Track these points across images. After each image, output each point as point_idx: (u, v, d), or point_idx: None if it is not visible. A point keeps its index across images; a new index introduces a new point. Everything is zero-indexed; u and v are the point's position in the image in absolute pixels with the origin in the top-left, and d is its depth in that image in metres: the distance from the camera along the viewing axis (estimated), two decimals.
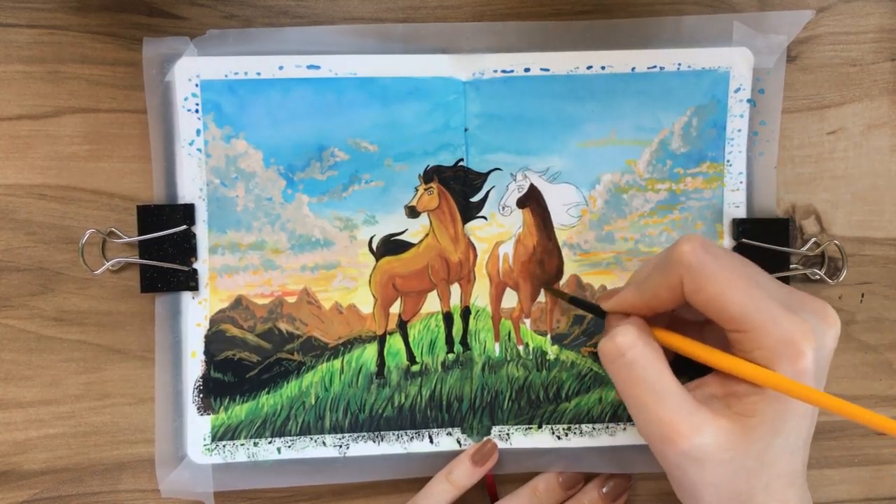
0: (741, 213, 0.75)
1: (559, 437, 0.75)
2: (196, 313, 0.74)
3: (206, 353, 0.74)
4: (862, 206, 0.77)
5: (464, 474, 0.73)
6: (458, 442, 0.75)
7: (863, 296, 0.78)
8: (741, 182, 0.75)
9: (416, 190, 0.74)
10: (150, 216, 0.73)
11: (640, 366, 0.59)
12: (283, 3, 0.73)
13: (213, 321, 0.74)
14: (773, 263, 0.75)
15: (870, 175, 0.77)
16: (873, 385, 0.78)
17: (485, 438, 0.75)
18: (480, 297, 0.75)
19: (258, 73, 0.72)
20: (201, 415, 0.74)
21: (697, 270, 0.57)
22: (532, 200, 0.75)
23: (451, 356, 0.75)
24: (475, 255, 0.75)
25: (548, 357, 0.75)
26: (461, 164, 0.74)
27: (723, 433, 0.57)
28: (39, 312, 0.74)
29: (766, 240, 0.74)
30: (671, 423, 0.57)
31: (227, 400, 0.74)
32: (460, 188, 0.74)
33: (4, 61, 0.72)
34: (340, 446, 0.75)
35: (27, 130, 0.72)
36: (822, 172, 0.77)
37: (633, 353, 0.59)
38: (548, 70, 0.73)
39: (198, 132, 0.73)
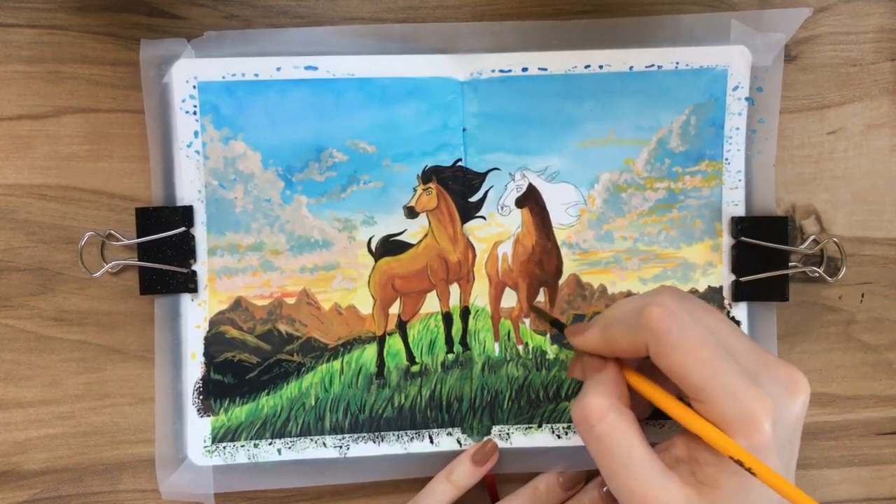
0: (740, 211, 0.75)
1: (559, 437, 0.75)
2: (195, 315, 0.74)
3: (206, 354, 0.74)
4: (862, 206, 0.77)
5: (464, 474, 0.73)
6: (459, 442, 0.75)
7: (863, 296, 0.78)
8: (740, 180, 0.75)
9: (415, 190, 0.74)
10: (149, 218, 0.73)
11: (610, 438, 0.59)
12: (283, 3, 0.74)
13: (213, 323, 0.74)
14: (772, 261, 0.75)
15: (870, 175, 0.77)
16: (873, 385, 0.78)
17: (485, 438, 0.75)
18: (480, 296, 0.75)
19: (256, 75, 0.73)
20: (201, 416, 0.74)
21: (662, 338, 0.57)
22: (531, 200, 0.75)
23: (450, 356, 0.75)
24: (474, 255, 0.75)
25: (547, 356, 0.75)
26: (459, 164, 0.74)
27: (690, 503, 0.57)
28: (39, 312, 0.74)
29: (765, 238, 0.74)
30: (640, 493, 0.57)
31: (227, 401, 0.74)
32: (459, 188, 0.74)
33: (4, 61, 0.72)
34: (341, 447, 0.75)
35: (27, 130, 0.73)
36: (822, 172, 0.77)
37: (601, 427, 0.59)
38: (546, 70, 0.73)
39: (196, 134, 0.73)
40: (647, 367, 0.63)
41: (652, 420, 0.75)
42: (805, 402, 0.59)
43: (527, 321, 0.76)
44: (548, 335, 0.75)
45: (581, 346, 0.65)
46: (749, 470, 0.54)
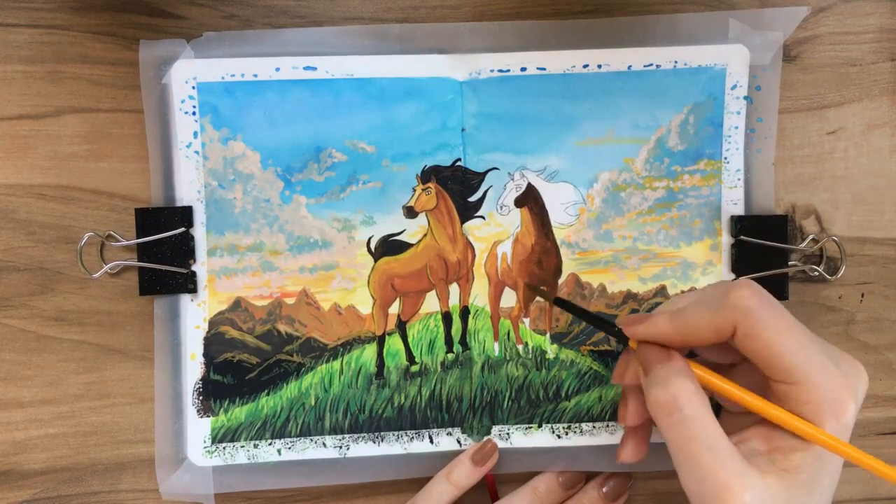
0: (739, 210, 0.75)
1: (559, 437, 0.75)
2: (195, 315, 0.74)
3: (206, 355, 0.74)
4: (862, 206, 0.77)
5: (464, 474, 0.73)
6: (459, 442, 0.75)
7: (863, 296, 0.78)
8: (739, 179, 0.75)
9: (414, 190, 0.74)
10: (149, 218, 0.73)
11: (698, 422, 0.57)
12: (283, 3, 0.74)
13: (212, 323, 0.74)
14: (772, 260, 0.75)
15: (870, 175, 0.77)
16: (873, 385, 0.78)
17: (485, 438, 0.75)
18: (479, 296, 0.75)
19: (255, 75, 0.73)
20: (201, 417, 0.74)
21: (755, 316, 0.57)
22: (530, 199, 0.75)
23: (450, 356, 0.75)
24: (473, 255, 0.75)
25: (547, 356, 0.75)
26: (459, 163, 0.74)
27: (769, 492, 0.55)
28: (39, 312, 0.74)
29: (765, 237, 0.74)
30: (725, 481, 0.55)
31: (226, 402, 0.74)
32: (458, 188, 0.74)
33: (4, 61, 0.72)
34: (340, 447, 0.75)
35: (27, 130, 0.73)
36: (822, 172, 0.77)
37: (690, 409, 0.57)
38: (544, 69, 0.74)
39: (195, 134, 0.73)
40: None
41: None
42: (865, 389, 0.59)
43: (527, 321, 0.76)
44: (548, 335, 0.75)
45: (644, 334, 0.63)
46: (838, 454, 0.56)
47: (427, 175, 0.74)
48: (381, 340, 0.75)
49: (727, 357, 0.65)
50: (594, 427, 0.75)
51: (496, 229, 0.75)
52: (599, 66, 0.74)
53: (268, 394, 0.74)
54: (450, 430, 0.75)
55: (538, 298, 0.75)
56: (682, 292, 0.76)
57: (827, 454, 0.57)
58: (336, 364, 0.75)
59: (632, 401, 0.66)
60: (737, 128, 0.74)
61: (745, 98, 0.74)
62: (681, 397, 0.57)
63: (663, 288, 0.75)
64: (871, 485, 0.78)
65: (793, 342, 0.56)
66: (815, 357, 0.56)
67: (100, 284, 0.74)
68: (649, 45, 0.74)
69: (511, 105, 0.74)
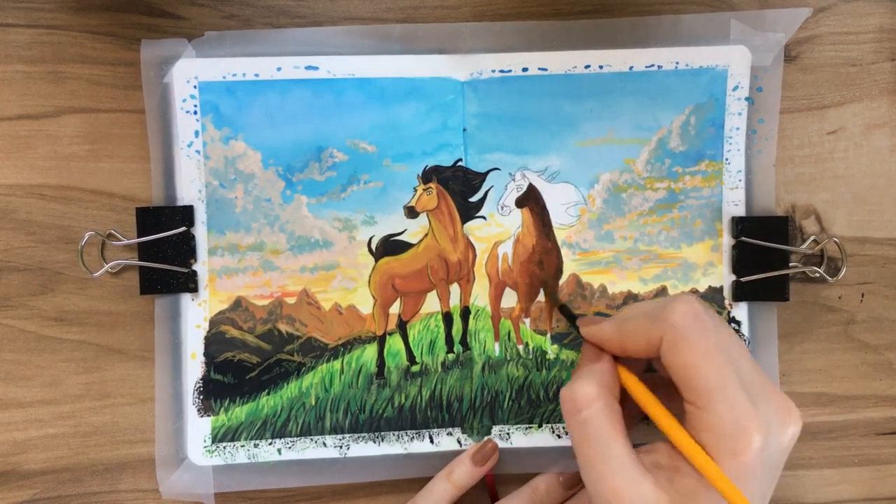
0: (740, 211, 0.75)
1: (559, 437, 0.75)
2: (195, 315, 0.74)
3: (206, 354, 0.74)
4: (862, 206, 0.77)
5: (464, 474, 0.73)
6: (459, 442, 0.75)
7: (863, 296, 0.78)
8: (740, 180, 0.75)
9: (415, 190, 0.74)
10: (149, 218, 0.73)
11: (594, 426, 0.59)
12: (283, 3, 0.74)
13: (213, 323, 0.74)
14: (773, 261, 0.75)
15: (870, 175, 0.77)
16: (873, 385, 0.78)
17: (485, 438, 0.75)
18: (480, 296, 0.75)
19: (256, 75, 0.73)
20: (201, 416, 0.74)
21: (680, 333, 0.58)
22: (531, 200, 0.75)
23: (450, 356, 0.75)
24: (474, 255, 0.75)
25: (547, 356, 0.75)
26: (460, 164, 0.74)
27: None
28: (39, 312, 0.74)
29: (766, 238, 0.74)
30: (611, 487, 0.56)
31: (227, 401, 0.74)
32: (459, 188, 0.74)
33: (4, 61, 0.72)
34: (341, 447, 0.75)
35: (27, 130, 0.73)
36: (822, 172, 0.77)
37: (588, 413, 0.59)
38: (545, 70, 0.73)
39: (196, 134, 0.73)
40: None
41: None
42: (795, 435, 0.59)
43: (527, 321, 0.76)
44: (548, 335, 0.75)
45: (590, 335, 0.65)
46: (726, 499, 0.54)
47: (428, 175, 0.74)
48: (381, 340, 0.75)
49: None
50: None
51: (497, 230, 0.75)
52: (601, 67, 0.73)
53: (268, 393, 0.74)
54: (450, 430, 0.75)
55: (538, 299, 0.75)
56: (627, 295, 0.76)
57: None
58: (336, 364, 0.75)
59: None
60: (738, 129, 0.74)
61: (747, 99, 0.74)
62: (582, 399, 0.59)
63: (664, 289, 0.76)
64: (871, 484, 0.79)
65: (708, 367, 0.56)
66: (728, 388, 0.56)
67: (100, 284, 0.74)
68: (651, 45, 0.74)
69: (512, 105, 0.74)
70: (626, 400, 0.64)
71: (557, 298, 0.75)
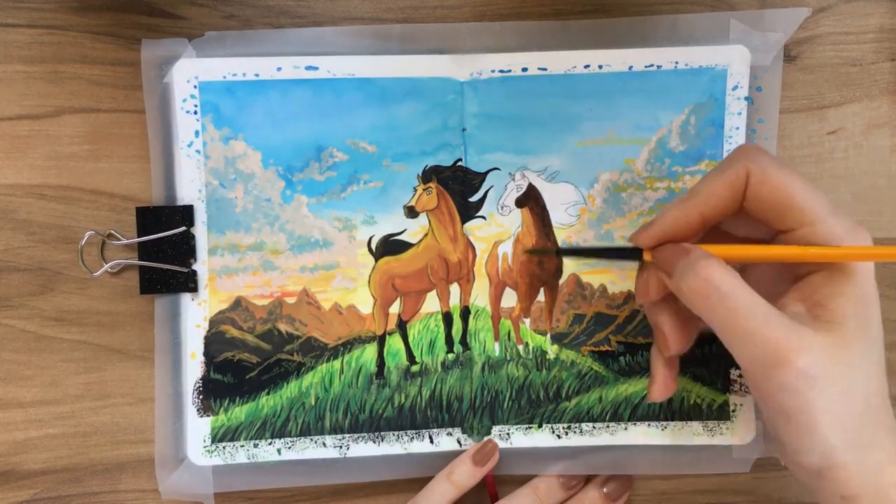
0: None
1: (559, 437, 0.75)
2: (195, 315, 0.74)
3: (206, 354, 0.74)
4: (862, 206, 0.77)
5: (465, 475, 0.73)
6: (459, 442, 0.75)
7: None
8: None
9: (415, 190, 0.74)
10: (149, 218, 0.73)
11: (738, 295, 0.57)
12: (283, 3, 0.74)
13: (213, 322, 0.74)
14: None
15: (870, 175, 0.77)
16: None
17: (485, 438, 0.75)
18: (480, 296, 0.75)
19: (256, 75, 0.73)
20: (201, 416, 0.74)
21: (765, 161, 0.59)
22: (531, 200, 0.75)
23: (450, 356, 0.75)
24: (474, 255, 0.75)
25: (548, 356, 0.75)
26: (460, 163, 0.74)
27: (828, 348, 0.56)
28: (39, 312, 0.74)
29: None
30: (785, 342, 0.55)
31: (226, 401, 0.74)
32: (459, 188, 0.74)
33: (4, 61, 0.72)
34: (341, 447, 0.75)
35: (27, 130, 0.73)
36: (822, 172, 0.77)
37: (726, 286, 0.57)
38: (545, 70, 0.73)
39: (196, 133, 0.73)
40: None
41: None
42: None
43: (527, 321, 0.76)
44: (548, 335, 0.75)
45: (658, 231, 0.64)
46: (870, 257, 0.57)
47: (428, 175, 0.74)
48: (381, 340, 0.75)
49: (740, 231, 0.67)
50: (594, 427, 0.75)
51: (497, 229, 0.75)
52: (600, 67, 0.73)
53: (268, 393, 0.74)
54: (450, 430, 0.75)
55: (538, 299, 0.75)
56: (628, 295, 0.76)
57: (865, 294, 0.58)
58: (336, 364, 0.75)
59: (663, 318, 0.67)
60: (738, 128, 0.74)
61: (746, 99, 0.74)
62: (713, 277, 0.57)
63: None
64: None
65: (803, 183, 0.58)
66: (825, 199, 0.58)
67: (100, 284, 0.74)
68: (650, 45, 0.74)
69: (512, 105, 0.74)
70: (680, 317, 0.66)
71: (548, 249, 0.76)
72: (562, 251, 0.74)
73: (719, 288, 0.57)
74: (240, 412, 0.74)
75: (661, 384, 0.69)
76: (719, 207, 0.61)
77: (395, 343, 0.75)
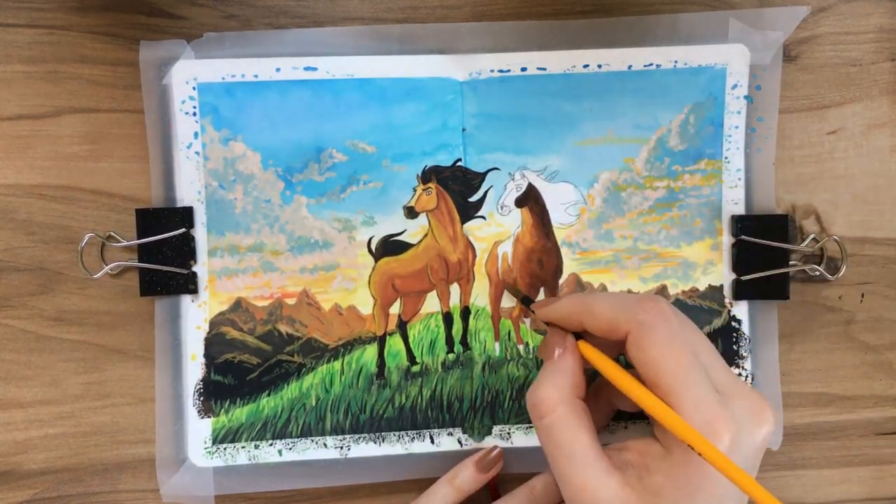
0: (740, 209, 0.75)
1: None
2: (196, 316, 0.74)
3: (206, 355, 0.74)
4: (862, 206, 0.77)
5: (468, 480, 0.73)
6: (459, 442, 0.75)
7: (863, 296, 0.78)
8: (739, 179, 0.75)
9: (415, 190, 0.74)
10: (149, 219, 0.73)
11: (557, 430, 0.59)
12: (283, 3, 0.74)
13: (213, 324, 0.74)
14: (773, 260, 0.75)
15: (870, 175, 0.77)
16: (873, 385, 0.78)
17: (491, 444, 0.75)
18: (480, 296, 0.75)
19: (255, 76, 0.73)
20: (202, 418, 0.74)
21: (648, 329, 0.58)
22: (530, 199, 0.75)
23: (451, 356, 0.75)
24: (474, 255, 0.75)
25: None
26: (459, 164, 0.74)
27: (622, 502, 0.56)
28: (39, 312, 0.74)
29: (766, 236, 0.74)
30: (579, 485, 0.57)
31: (227, 402, 0.74)
32: (458, 188, 0.74)
33: (4, 61, 0.72)
34: (341, 448, 0.75)
35: (27, 130, 0.73)
36: (822, 172, 0.77)
37: (550, 419, 0.60)
38: (544, 69, 0.74)
39: (196, 135, 0.73)
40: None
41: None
42: (768, 434, 0.59)
43: (527, 321, 0.76)
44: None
45: (548, 312, 0.66)
46: (700, 455, 0.53)
47: (427, 175, 0.74)
48: (381, 341, 0.75)
49: None
50: None
51: (497, 229, 0.75)
52: (599, 66, 0.74)
53: (268, 394, 0.74)
54: (451, 430, 0.75)
55: (538, 298, 0.75)
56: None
57: (694, 483, 0.56)
58: (337, 364, 0.75)
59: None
60: (737, 127, 0.74)
61: (746, 98, 0.74)
62: (545, 404, 0.60)
63: (664, 288, 0.76)
64: (871, 484, 0.78)
65: (675, 364, 0.56)
66: (695, 386, 0.56)
67: (100, 285, 0.74)
68: (649, 44, 0.74)
69: (511, 105, 0.74)
70: (598, 394, 0.67)
71: (518, 291, 0.75)
72: (523, 300, 0.74)
73: (543, 418, 0.61)
74: (240, 413, 0.74)
75: None
76: (597, 331, 0.62)
77: (395, 343, 0.75)
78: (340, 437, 0.75)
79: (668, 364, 0.56)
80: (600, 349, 0.63)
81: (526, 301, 0.73)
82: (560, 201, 0.75)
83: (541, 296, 0.76)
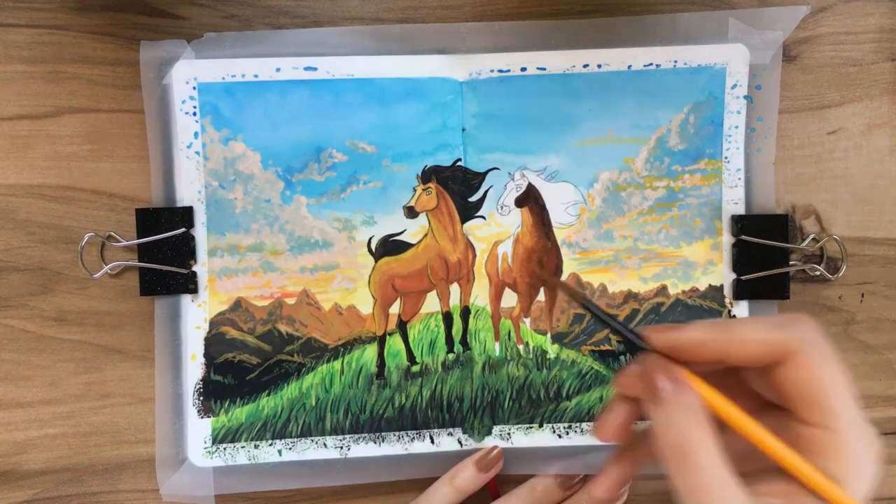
0: (740, 209, 0.75)
1: (560, 436, 0.75)
2: (196, 316, 0.74)
3: (206, 355, 0.74)
4: (862, 206, 0.77)
5: (468, 480, 0.73)
6: (459, 442, 0.75)
7: (863, 296, 0.78)
8: (739, 178, 0.75)
9: (415, 190, 0.74)
10: (149, 219, 0.73)
11: (711, 471, 0.50)
12: (283, 3, 0.74)
13: (213, 324, 0.74)
14: (773, 260, 0.75)
15: (870, 175, 0.77)
16: (873, 385, 0.78)
17: (490, 444, 0.75)
18: (480, 296, 0.75)
19: (255, 76, 0.73)
20: (202, 417, 0.74)
21: (815, 346, 0.52)
22: (530, 199, 0.75)
23: (451, 356, 0.75)
24: (474, 255, 0.75)
25: (548, 356, 0.75)
26: (459, 163, 0.74)
27: None
28: (39, 312, 0.74)
29: (766, 236, 0.74)
30: None
31: (227, 402, 0.74)
32: (458, 188, 0.74)
33: (4, 61, 0.73)
34: (341, 447, 0.75)
35: (27, 130, 0.73)
36: (822, 172, 0.77)
37: (702, 456, 0.50)
38: (544, 69, 0.74)
39: (196, 135, 0.73)
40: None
41: None
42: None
43: (527, 321, 0.76)
44: (548, 334, 0.75)
45: (673, 342, 0.55)
46: None
47: (427, 175, 0.74)
48: (381, 340, 0.75)
49: (743, 400, 0.57)
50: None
51: (497, 229, 0.75)
52: (599, 66, 0.74)
53: (268, 394, 0.74)
54: (451, 430, 0.75)
55: (538, 298, 0.75)
56: (627, 294, 0.76)
57: None
58: (337, 364, 0.75)
59: (618, 413, 0.59)
60: (737, 127, 0.74)
61: (746, 97, 0.74)
62: (692, 441, 0.51)
63: (664, 287, 0.76)
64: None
65: (842, 387, 0.51)
66: (855, 410, 0.51)
67: (100, 285, 0.74)
68: (649, 44, 0.74)
69: (511, 105, 0.74)
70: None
71: (577, 292, 0.74)
72: (585, 305, 0.60)
73: (693, 455, 0.50)
74: (240, 413, 0.74)
75: (605, 482, 0.62)
76: (745, 359, 0.54)
77: (395, 343, 0.75)
78: (340, 437, 0.75)
79: (838, 386, 0.51)
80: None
81: (588, 304, 0.59)
82: (560, 201, 0.75)
83: (541, 296, 0.75)
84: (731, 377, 0.57)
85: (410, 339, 0.75)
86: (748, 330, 0.54)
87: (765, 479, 0.53)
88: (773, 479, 0.53)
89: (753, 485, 0.52)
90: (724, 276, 0.75)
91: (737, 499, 0.49)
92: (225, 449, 0.74)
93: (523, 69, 0.74)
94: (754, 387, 0.57)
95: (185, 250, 0.73)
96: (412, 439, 0.75)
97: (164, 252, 0.73)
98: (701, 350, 0.54)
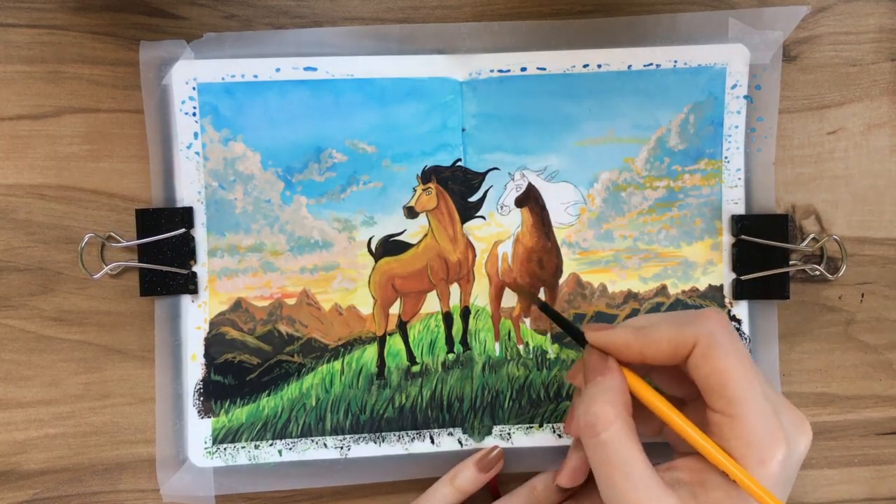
0: (740, 209, 0.75)
1: (560, 436, 0.75)
2: (196, 316, 0.74)
3: (206, 355, 0.74)
4: (862, 206, 0.77)
5: (468, 480, 0.73)
6: (460, 442, 0.75)
7: (863, 296, 0.78)
8: (739, 178, 0.75)
9: (415, 190, 0.74)
10: (149, 219, 0.73)
11: (614, 447, 0.57)
12: (283, 3, 0.74)
13: (213, 324, 0.74)
14: (773, 260, 0.75)
15: (870, 175, 0.77)
16: (873, 385, 0.78)
17: (491, 444, 0.75)
18: (480, 296, 0.75)
19: (255, 76, 0.73)
20: (202, 418, 0.74)
21: (716, 339, 0.57)
22: (530, 199, 0.75)
23: (451, 356, 0.75)
24: (474, 255, 0.75)
25: (548, 356, 0.75)
26: (459, 164, 0.74)
27: None
28: (39, 312, 0.74)
29: (766, 236, 0.74)
30: None
31: (227, 402, 0.74)
32: (458, 188, 0.74)
33: (4, 61, 0.73)
34: (342, 448, 0.75)
35: (27, 130, 0.73)
36: (822, 172, 0.77)
37: (607, 435, 0.57)
38: (544, 69, 0.74)
39: (195, 135, 0.73)
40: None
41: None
42: (808, 447, 0.59)
43: (527, 321, 0.76)
44: (548, 335, 0.75)
45: (601, 341, 0.62)
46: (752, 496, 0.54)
47: (427, 175, 0.74)
48: (381, 341, 0.75)
49: (678, 390, 0.66)
50: None
51: (497, 229, 0.75)
52: (599, 66, 0.74)
53: (268, 394, 0.74)
54: (451, 430, 0.75)
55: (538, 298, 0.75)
56: (627, 294, 0.77)
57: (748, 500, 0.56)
58: (337, 364, 0.75)
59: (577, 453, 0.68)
60: (737, 127, 0.74)
61: (746, 97, 0.74)
62: (601, 420, 0.57)
63: (664, 287, 0.76)
64: (871, 485, 0.78)
65: (742, 375, 0.56)
66: (757, 398, 0.56)
67: (100, 285, 0.74)
68: (649, 44, 0.74)
69: (511, 105, 0.74)
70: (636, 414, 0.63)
71: (537, 298, 0.75)
72: (540, 305, 0.71)
73: (601, 433, 0.57)
74: (240, 413, 0.74)
75: (568, 471, 0.68)
76: (660, 356, 0.60)
77: (395, 343, 0.75)
78: (340, 437, 0.75)
79: (736, 375, 0.56)
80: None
81: (544, 306, 0.71)
82: (560, 201, 0.75)
83: (541, 296, 0.75)
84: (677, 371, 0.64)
85: (410, 340, 0.75)
86: (658, 330, 0.60)
87: (679, 460, 0.60)
88: (686, 459, 0.60)
89: (669, 462, 0.60)
90: (724, 275, 0.76)
91: (638, 470, 0.56)
92: (225, 449, 0.74)
93: (523, 69, 0.74)
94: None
95: (184, 251, 0.73)
96: (412, 439, 0.75)
97: (163, 252, 0.73)
98: (624, 352, 0.62)
